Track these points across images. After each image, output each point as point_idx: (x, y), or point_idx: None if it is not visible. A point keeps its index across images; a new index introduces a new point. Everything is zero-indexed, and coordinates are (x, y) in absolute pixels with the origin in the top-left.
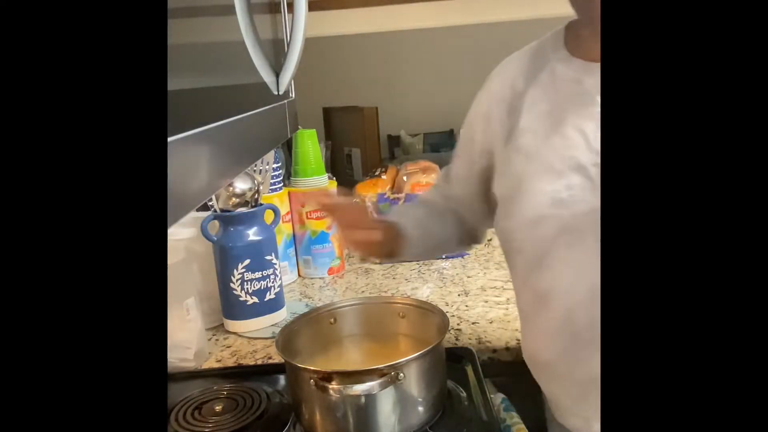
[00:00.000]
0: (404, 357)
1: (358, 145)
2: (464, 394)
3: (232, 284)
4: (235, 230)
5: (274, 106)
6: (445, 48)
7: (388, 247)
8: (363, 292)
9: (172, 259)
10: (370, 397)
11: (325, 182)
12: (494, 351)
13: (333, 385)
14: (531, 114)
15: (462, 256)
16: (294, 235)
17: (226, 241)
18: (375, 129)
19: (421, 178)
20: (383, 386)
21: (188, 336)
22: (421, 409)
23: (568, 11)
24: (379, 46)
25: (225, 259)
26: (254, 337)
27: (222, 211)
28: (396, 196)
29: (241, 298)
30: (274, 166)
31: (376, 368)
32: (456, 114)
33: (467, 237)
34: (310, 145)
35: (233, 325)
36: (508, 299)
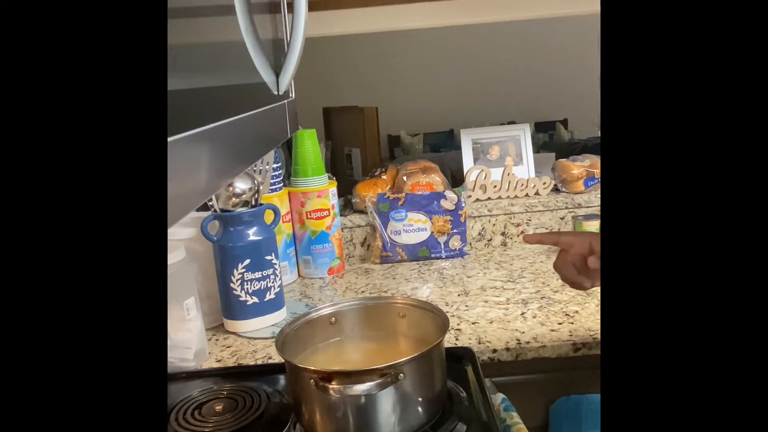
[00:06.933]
0: (404, 357)
1: (358, 145)
2: (464, 394)
3: (232, 284)
4: (235, 230)
5: (274, 106)
6: (445, 48)
7: None
8: (363, 292)
9: (172, 259)
10: (370, 397)
11: (325, 182)
12: (494, 351)
13: (333, 385)
14: None
15: (462, 256)
16: (294, 235)
17: (226, 241)
18: (375, 129)
19: (421, 178)
20: (383, 386)
21: (188, 336)
22: (421, 409)
23: (568, 11)
24: (379, 46)
25: (225, 259)
26: (254, 337)
27: (222, 211)
28: (396, 196)
29: (241, 298)
30: (274, 166)
31: (376, 368)
32: (456, 114)
33: None
34: (310, 145)
35: (233, 325)
36: (508, 299)
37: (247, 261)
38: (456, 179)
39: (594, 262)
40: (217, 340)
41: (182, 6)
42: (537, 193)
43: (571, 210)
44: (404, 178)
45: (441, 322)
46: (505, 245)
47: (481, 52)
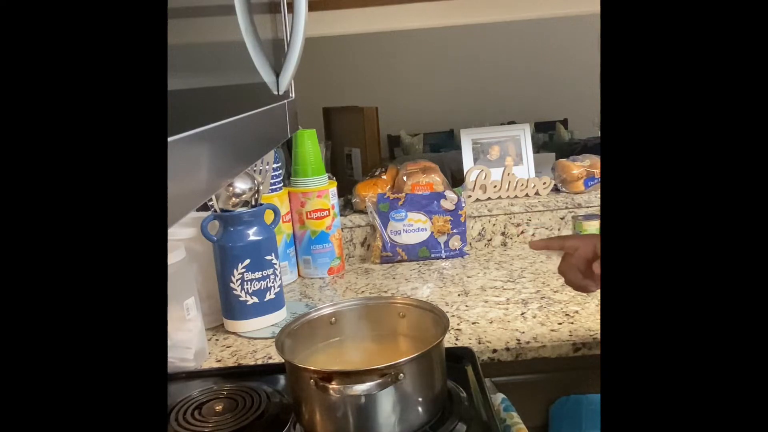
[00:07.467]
0: (404, 357)
1: (358, 145)
2: (464, 394)
3: (232, 284)
4: (235, 230)
5: (274, 106)
6: (445, 48)
7: None
8: (363, 292)
9: (172, 259)
10: (370, 397)
11: (325, 182)
12: (494, 351)
13: (333, 385)
14: None
15: (462, 256)
16: (294, 235)
17: (226, 241)
18: (375, 129)
19: (421, 178)
20: (383, 386)
21: (188, 336)
22: (421, 409)
23: (568, 11)
24: (379, 46)
25: (225, 259)
26: (254, 337)
27: (222, 211)
28: (396, 196)
29: (241, 298)
30: (274, 166)
31: (376, 368)
32: (456, 114)
33: None
34: (310, 145)
35: (233, 325)
36: (508, 299)
37: (247, 261)
38: (456, 179)
39: (598, 267)
40: (217, 340)
41: (182, 6)
42: (537, 193)
43: (571, 210)
44: (404, 178)
45: (441, 322)
46: (505, 245)
47: (481, 52)
